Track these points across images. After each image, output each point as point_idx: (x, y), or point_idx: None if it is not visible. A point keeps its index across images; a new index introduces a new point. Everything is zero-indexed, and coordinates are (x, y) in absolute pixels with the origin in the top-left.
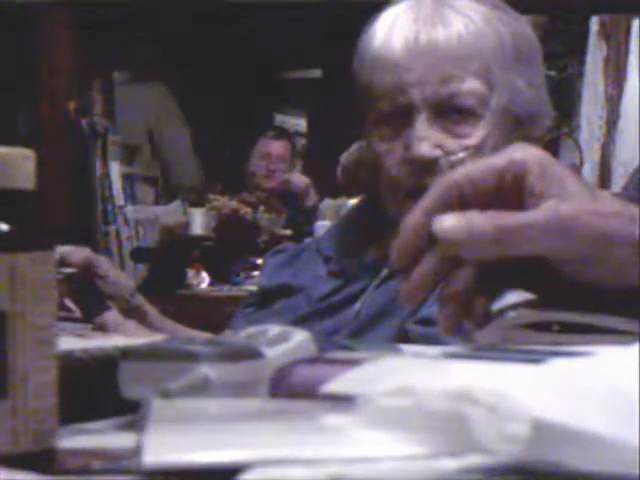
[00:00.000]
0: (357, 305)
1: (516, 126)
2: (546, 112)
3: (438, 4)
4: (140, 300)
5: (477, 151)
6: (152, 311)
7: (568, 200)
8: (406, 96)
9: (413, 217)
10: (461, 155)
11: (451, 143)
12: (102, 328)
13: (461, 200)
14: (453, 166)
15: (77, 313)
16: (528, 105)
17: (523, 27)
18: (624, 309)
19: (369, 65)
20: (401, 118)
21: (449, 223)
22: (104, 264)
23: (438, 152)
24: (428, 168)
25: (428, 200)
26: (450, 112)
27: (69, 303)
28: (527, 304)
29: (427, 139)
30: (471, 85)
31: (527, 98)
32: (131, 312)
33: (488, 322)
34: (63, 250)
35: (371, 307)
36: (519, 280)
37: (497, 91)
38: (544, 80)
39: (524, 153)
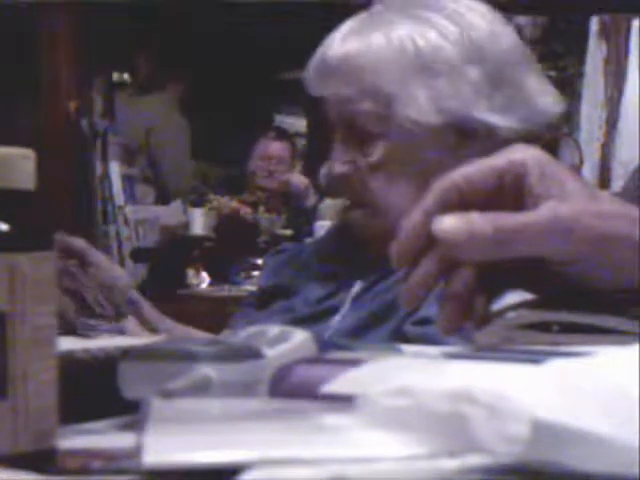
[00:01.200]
0: (354, 306)
1: (463, 139)
2: (509, 120)
3: (367, 19)
4: (136, 295)
5: (378, 168)
6: (151, 310)
7: (568, 201)
8: (328, 113)
9: (413, 218)
10: (367, 172)
11: (361, 161)
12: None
13: (461, 201)
14: (364, 182)
15: (108, 309)
16: (454, 115)
17: (479, 31)
18: (624, 309)
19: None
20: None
21: (449, 224)
22: (97, 254)
23: (346, 168)
24: (342, 183)
25: (428, 201)
26: (357, 131)
27: (102, 299)
28: (527, 304)
29: (339, 158)
30: (366, 106)
31: (453, 109)
32: (129, 306)
33: (488, 322)
34: (58, 238)
35: (368, 309)
36: (519, 280)
37: (398, 108)
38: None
39: (523, 154)
